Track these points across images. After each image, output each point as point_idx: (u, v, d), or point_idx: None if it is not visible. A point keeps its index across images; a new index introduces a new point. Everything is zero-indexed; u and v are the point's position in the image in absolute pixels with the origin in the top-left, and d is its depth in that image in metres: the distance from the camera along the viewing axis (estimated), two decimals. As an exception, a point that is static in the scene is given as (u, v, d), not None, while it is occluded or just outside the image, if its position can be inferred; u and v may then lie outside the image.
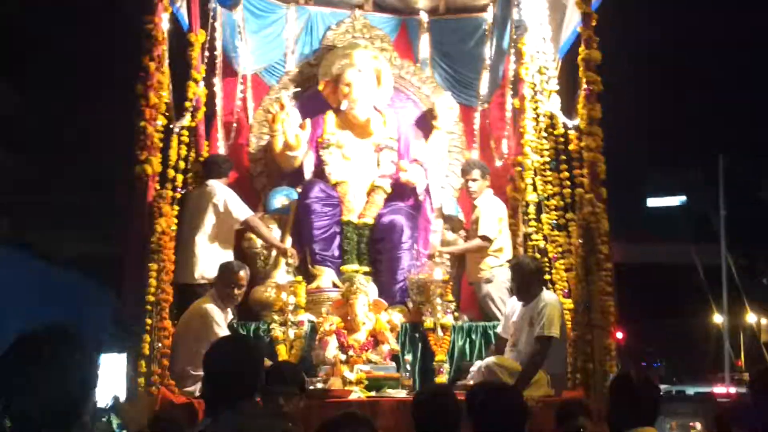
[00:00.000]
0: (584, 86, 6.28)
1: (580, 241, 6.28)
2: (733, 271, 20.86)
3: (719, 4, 18.45)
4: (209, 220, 7.43)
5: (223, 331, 6.35)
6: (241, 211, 7.48)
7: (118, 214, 7.40)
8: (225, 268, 6.84)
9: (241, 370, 3.15)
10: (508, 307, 6.90)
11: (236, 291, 6.75)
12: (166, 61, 6.58)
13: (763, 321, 22.31)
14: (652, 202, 25.47)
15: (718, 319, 22.02)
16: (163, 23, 6.54)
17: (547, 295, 6.54)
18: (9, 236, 13.37)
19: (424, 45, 8.89)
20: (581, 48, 6.33)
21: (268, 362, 4.92)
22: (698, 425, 10.92)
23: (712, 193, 21.33)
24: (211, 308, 6.55)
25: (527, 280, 6.59)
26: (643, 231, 21.32)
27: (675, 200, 25.06)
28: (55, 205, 14.62)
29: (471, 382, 6.44)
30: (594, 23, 6.30)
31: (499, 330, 6.95)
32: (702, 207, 22.41)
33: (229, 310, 6.82)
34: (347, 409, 3.87)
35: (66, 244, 15.08)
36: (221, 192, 7.50)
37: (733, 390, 17.21)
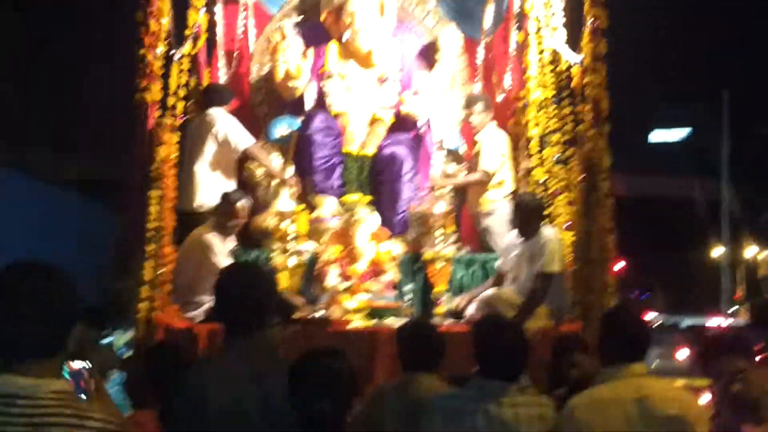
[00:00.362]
0: (590, 21, 6.22)
1: (582, 176, 6.28)
2: (734, 205, 20.89)
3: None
4: (209, 148, 7.40)
5: (222, 260, 6.33)
6: (242, 139, 7.45)
7: (120, 140, 7.39)
8: (225, 199, 6.85)
9: (252, 298, 3.17)
10: (507, 241, 6.93)
11: (236, 221, 6.76)
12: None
13: (761, 255, 22.37)
14: (657, 135, 25.30)
15: (717, 253, 22.13)
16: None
17: (548, 231, 6.53)
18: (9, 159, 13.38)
19: (429, -25, 8.72)
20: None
21: None
22: (684, 350, 11.11)
23: (717, 128, 21.23)
24: (211, 237, 6.56)
25: (527, 216, 6.58)
26: (646, 164, 21.26)
27: (679, 134, 24.90)
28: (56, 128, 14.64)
29: (469, 314, 6.55)
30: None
31: (498, 263, 6.99)
32: (706, 142, 22.30)
33: (231, 237, 6.85)
34: (324, 344, 3.97)
35: (67, 167, 15.08)
36: (221, 121, 7.46)
37: (726, 323, 17.35)
